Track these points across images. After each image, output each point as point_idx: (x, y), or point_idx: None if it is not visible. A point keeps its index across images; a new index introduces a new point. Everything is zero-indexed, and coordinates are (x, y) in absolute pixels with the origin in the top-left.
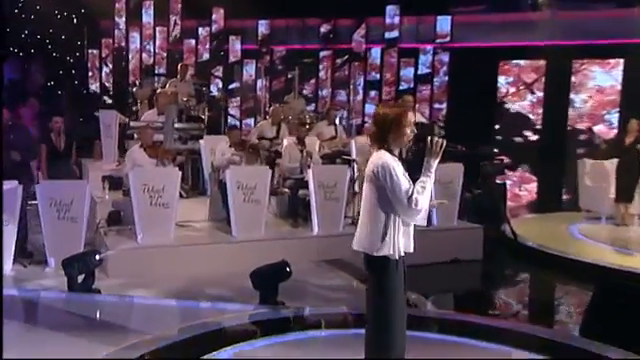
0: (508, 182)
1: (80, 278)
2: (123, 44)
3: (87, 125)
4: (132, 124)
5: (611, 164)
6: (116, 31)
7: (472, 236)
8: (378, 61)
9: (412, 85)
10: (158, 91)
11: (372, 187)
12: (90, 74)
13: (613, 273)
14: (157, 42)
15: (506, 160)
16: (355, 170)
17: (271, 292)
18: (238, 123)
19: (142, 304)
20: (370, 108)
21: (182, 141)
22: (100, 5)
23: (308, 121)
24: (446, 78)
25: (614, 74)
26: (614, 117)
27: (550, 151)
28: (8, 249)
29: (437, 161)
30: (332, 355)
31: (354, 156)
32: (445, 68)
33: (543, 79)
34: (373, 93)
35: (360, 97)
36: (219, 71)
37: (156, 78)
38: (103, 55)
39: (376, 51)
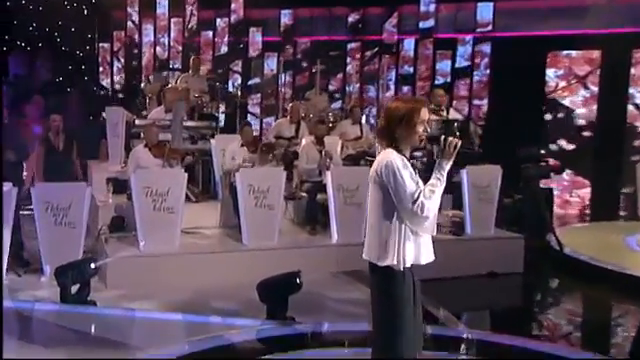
0: (557, 187)
1: (75, 288)
2: (136, 37)
3: (94, 124)
4: (137, 122)
5: None
6: (129, 23)
7: (512, 247)
8: (411, 53)
9: (449, 79)
10: (169, 86)
11: (376, 189)
12: (101, 69)
13: None
14: (172, 35)
15: (554, 162)
16: None
17: (280, 306)
18: (258, 122)
19: (141, 318)
20: None
21: (192, 141)
22: None
23: (331, 119)
24: (487, 71)
25: None
26: None
27: (605, 153)
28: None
29: (450, 163)
30: None
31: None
32: (486, 60)
33: (598, 72)
34: (406, 89)
35: (391, 93)
36: (238, 65)
37: (170, 73)
38: (115, 49)
39: (409, 42)
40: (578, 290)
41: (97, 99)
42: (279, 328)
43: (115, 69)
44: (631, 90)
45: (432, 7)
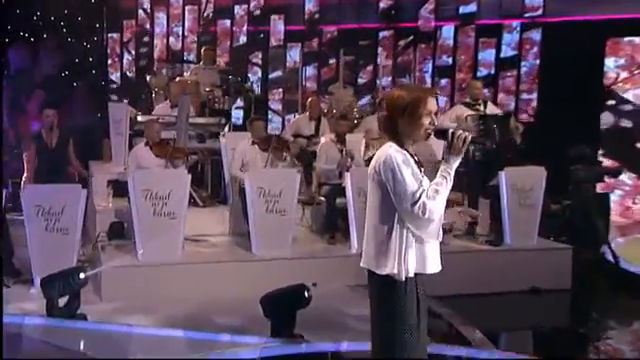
0: (617, 192)
1: (63, 301)
2: (147, 27)
3: (99, 121)
4: (139, 118)
5: None
6: (139, 12)
7: (558, 259)
8: (450, 42)
9: (493, 71)
10: (177, 79)
11: (375, 187)
12: (110, 62)
13: None
14: (186, 24)
15: (611, 164)
16: None
17: (286, 322)
18: (280, 119)
19: (137, 334)
20: (440, 100)
21: (200, 139)
22: None
23: (357, 115)
24: (537, 62)
25: None
26: None
27: None
28: None
29: (459, 160)
30: None
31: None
32: (536, 49)
33: None
34: (444, 81)
35: (428, 86)
36: (258, 57)
37: (186, 66)
38: (124, 40)
39: (448, 30)
40: (637, 309)
41: (105, 94)
42: (283, 347)
43: (125, 61)
44: None
45: None
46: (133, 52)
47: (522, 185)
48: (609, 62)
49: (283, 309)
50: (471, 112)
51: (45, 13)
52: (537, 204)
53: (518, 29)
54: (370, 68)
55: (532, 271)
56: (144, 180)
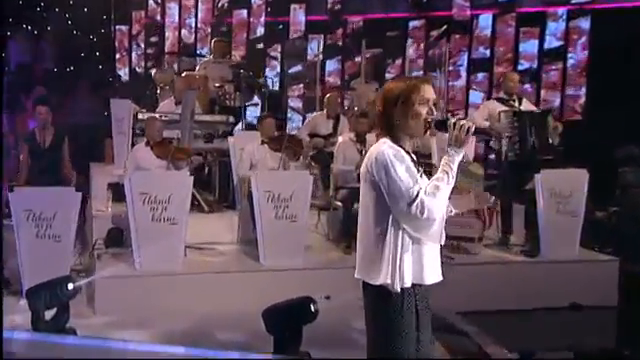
0: None
1: (51, 314)
2: (158, 18)
3: (103, 120)
4: (140, 116)
5: None
6: (150, 2)
7: (602, 272)
8: (488, 32)
9: (535, 64)
10: (183, 74)
11: (367, 188)
12: (117, 56)
13: None
14: (200, 15)
15: None
16: None
17: (292, 337)
18: (301, 118)
19: (130, 351)
20: (476, 96)
21: (207, 138)
22: None
23: None
24: (586, 53)
25: None
26: None
27: None
28: None
29: (462, 152)
30: None
31: (434, 159)
32: (584, 39)
33: None
34: (480, 76)
35: (462, 82)
36: (277, 50)
37: (197, 60)
38: (133, 32)
39: (486, 19)
40: None
41: (112, 91)
42: None
43: (134, 56)
44: None
45: None
46: (142, 46)
47: (561, 189)
48: None
49: (287, 324)
50: (505, 108)
51: (49, 3)
52: (578, 210)
53: (564, 17)
54: (399, 62)
55: (572, 285)
56: (142, 182)
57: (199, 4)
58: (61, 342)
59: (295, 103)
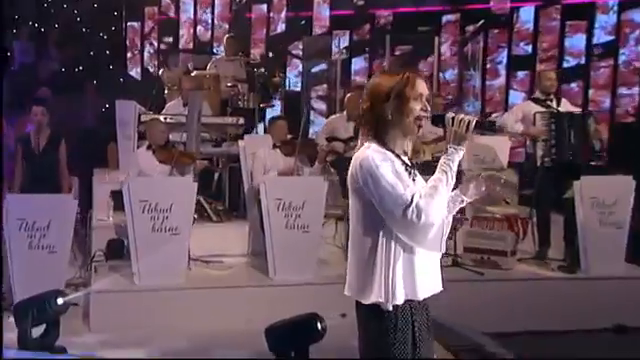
0: None
1: (39, 330)
2: (172, 14)
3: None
4: (142, 118)
5: None
6: None
7: None
8: (530, 26)
9: (583, 60)
10: (193, 73)
11: (355, 198)
12: (129, 55)
13: None
14: (216, 10)
15: None
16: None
17: (296, 357)
18: (324, 120)
19: None
20: (516, 97)
21: (215, 142)
22: None
23: None
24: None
25: None
26: None
27: None
28: None
29: (463, 149)
30: None
31: (465, 165)
32: (637, 33)
33: None
34: (521, 74)
35: (501, 81)
36: (298, 48)
37: (214, 58)
38: (146, 29)
39: (527, 12)
40: None
41: (123, 92)
42: None
43: (146, 55)
44: None
45: None
46: (155, 44)
47: (604, 198)
48: None
49: (292, 343)
50: (541, 109)
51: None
52: (623, 222)
53: (615, 9)
54: (431, 59)
55: (617, 305)
56: (141, 189)
57: None
58: None
59: (318, 105)
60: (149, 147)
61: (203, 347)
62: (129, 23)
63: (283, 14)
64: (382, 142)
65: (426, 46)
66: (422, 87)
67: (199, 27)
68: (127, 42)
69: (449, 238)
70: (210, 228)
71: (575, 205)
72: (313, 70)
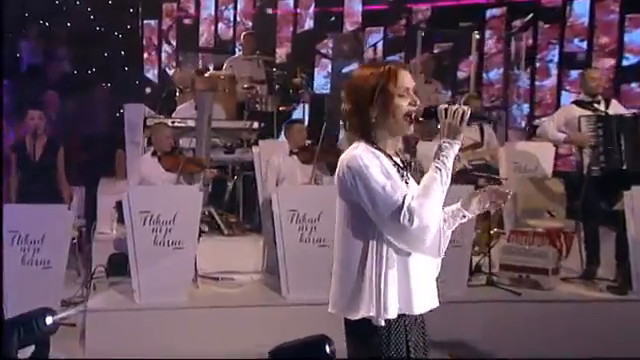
0: None
1: (28, 351)
2: (192, 11)
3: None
4: (148, 122)
5: None
6: None
7: None
8: (585, 20)
9: None
10: (207, 74)
11: (342, 203)
12: (145, 55)
13: None
14: (239, 6)
15: None
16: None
17: None
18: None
19: None
20: (568, 99)
21: (227, 149)
22: None
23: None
24: None
25: None
26: None
27: None
28: None
29: (457, 144)
30: None
31: (503, 174)
32: None
33: None
34: (575, 73)
35: (552, 81)
36: (328, 46)
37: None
38: (164, 27)
39: (582, 4)
40: None
41: (139, 95)
42: None
43: (164, 55)
44: None
45: None
46: (174, 43)
47: None
48: None
49: None
50: (586, 112)
51: None
52: None
53: None
54: (473, 58)
55: None
56: (142, 199)
57: None
58: None
59: None
60: (154, 153)
61: None
62: (145, 21)
63: (311, 10)
64: (371, 142)
65: (468, 43)
66: (407, 79)
67: (220, 25)
68: (143, 42)
69: (483, 254)
70: (221, 242)
71: (626, 218)
72: (344, 70)
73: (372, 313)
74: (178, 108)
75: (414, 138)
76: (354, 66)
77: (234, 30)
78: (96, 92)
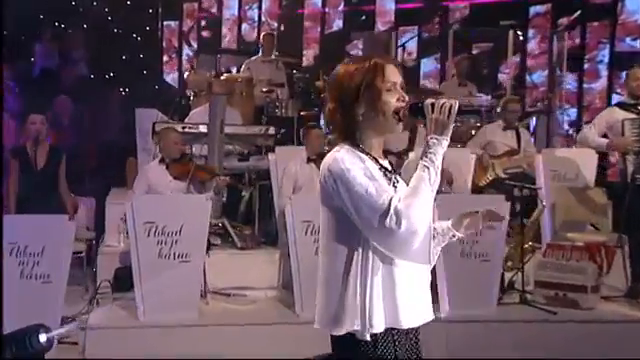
0: None
1: None
2: (214, 11)
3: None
4: (157, 127)
5: None
6: None
7: None
8: (639, 17)
9: None
10: (223, 76)
11: (325, 208)
12: (165, 58)
13: None
14: (264, 6)
15: None
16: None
17: None
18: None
19: None
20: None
21: (241, 156)
22: None
23: (475, 122)
24: None
25: None
26: None
27: None
28: None
29: (446, 140)
30: None
31: (541, 183)
32: None
33: None
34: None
35: (602, 83)
36: (358, 47)
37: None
38: (184, 29)
39: (634, 1)
40: None
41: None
42: None
43: (185, 57)
44: None
45: None
46: (195, 45)
47: None
48: None
49: None
50: (630, 116)
51: None
52: None
53: None
54: (516, 58)
55: None
56: (146, 209)
57: None
58: None
59: None
60: (162, 160)
61: None
62: (165, 22)
63: (340, 9)
64: (355, 144)
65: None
66: (394, 74)
67: (244, 25)
68: (163, 44)
69: (517, 269)
70: (234, 256)
71: None
72: None
73: (356, 327)
74: (192, 112)
75: None
76: None
77: (258, 31)
78: (112, 97)
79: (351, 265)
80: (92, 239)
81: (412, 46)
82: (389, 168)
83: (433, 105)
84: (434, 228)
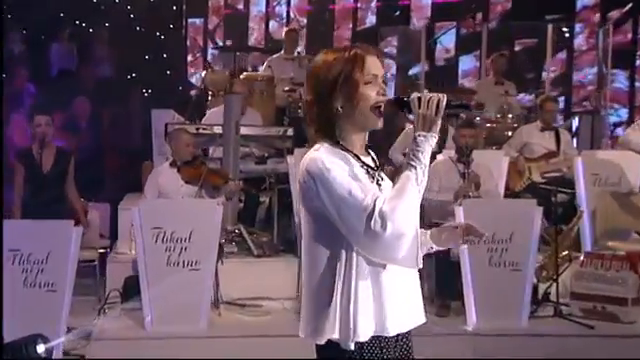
0: None
1: None
2: (241, 7)
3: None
4: (169, 128)
5: None
6: None
7: None
8: None
9: None
10: (243, 75)
11: (305, 212)
12: (190, 58)
13: None
14: (292, 2)
15: None
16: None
17: None
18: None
19: None
20: None
21: (259, 159)
22: None
23: (512, 123)
24: None
25: None
26: None
27: None
28: None
29: (433, 136)
30: None
31: (580, 187)
32: None
33: None
34: None
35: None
36: (392, 44)
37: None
38: (210, 27)
39: None
40: None
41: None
42: None
43: (210, 57)
44: None
45: None
46: (221, 43)
47: None
48: None
49: None
50: None
51: None
52: None
53: None
54: (562, 55)
55: None
56: (154, 214)
57: None
58: None
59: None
60: (173, 164)
61: None
62: (190, 20)
63: (373, 4)
64: (335, 141)
65: (556, 38)
66: (375, 66)
67: (272, 22)
68: (187, 42)
69: (552, 280)
70: (250, 264)
71: None
72: (411, 72)
73: (340, 336)
74: (208, 113)
75: (467, 145)
76: (419, 67)
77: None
78: (134, 98)
79: (334, 272)
80: (106, 247)
81: (452, 42)
82: (372, 165)
83: (420, 100)
84: None
